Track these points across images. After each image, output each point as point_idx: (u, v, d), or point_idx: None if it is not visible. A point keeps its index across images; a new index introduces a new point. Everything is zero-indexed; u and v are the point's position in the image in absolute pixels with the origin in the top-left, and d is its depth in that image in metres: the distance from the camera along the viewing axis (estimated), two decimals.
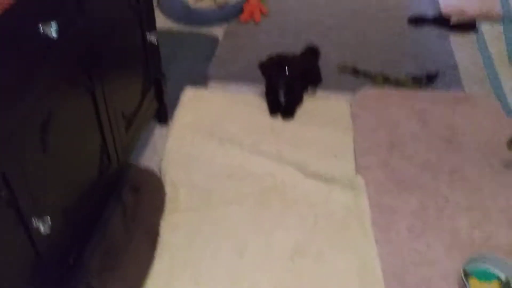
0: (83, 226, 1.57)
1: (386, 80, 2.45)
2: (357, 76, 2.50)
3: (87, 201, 1.53)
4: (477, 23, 2.88)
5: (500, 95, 2.34)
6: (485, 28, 2.86)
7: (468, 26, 2.88)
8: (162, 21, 2.91)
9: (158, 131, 2.16)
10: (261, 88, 2.34)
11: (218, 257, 1.65)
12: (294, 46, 2.57)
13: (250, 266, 1.63)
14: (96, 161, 1.56)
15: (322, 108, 2.29)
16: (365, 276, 1.61)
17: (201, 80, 2.46)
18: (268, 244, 1.70)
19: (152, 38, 1.86)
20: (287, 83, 2.20)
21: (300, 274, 1.62)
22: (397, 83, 2.44)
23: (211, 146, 2.07)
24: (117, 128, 1.66)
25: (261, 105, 2.29)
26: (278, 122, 2.22)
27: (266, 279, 1.60)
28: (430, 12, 3.01)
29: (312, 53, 2.44)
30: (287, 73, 2.17)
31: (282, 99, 2.25)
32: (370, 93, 2.38)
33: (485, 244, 1.71)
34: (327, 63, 2.57)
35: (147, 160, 2.02)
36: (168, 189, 1.86)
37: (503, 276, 1.62)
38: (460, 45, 2.74)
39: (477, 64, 2.59)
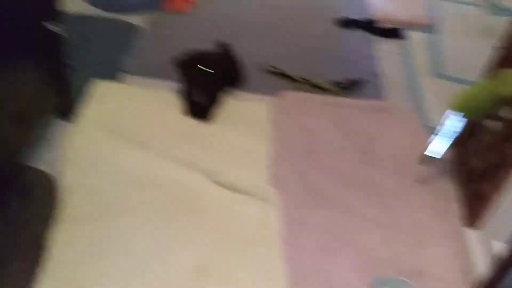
0: None
1: (308, 84, 2.38)
2: (280, 77, 2.41)
3: None
4: (405, 31, 2.86)
5: (420, 109, 2.32)
6: (413, 36, 2.84)
7: (396, 32, 2.85)
8: (77, 4, 2.68)
9: (61, 129, 1.96)
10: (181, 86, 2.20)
11: (112, 277, 1.51)
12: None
13: (148, 287, 1.51)
14: None
15: (240, 111, 2.19)
16: None
17: (115, 73, 2.28)
18: (169, 261, 1.57)
19: (53, 27, 1.67)
20: (204, 82, 2.07)
21: None
22: (320, 88, 2.37)
23: (117, 147, 1.91)
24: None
25: (178, 104, 2.15)
26: (193, 123, 2.09)
27: None
28: (359, 16, 2.96)
29: (227, 50, 2.29)
30: (204, 72, 2.04)
31: (198, 99, 2.12)
32: (291, 96, 2.30)
33: (395, 266, 1.67)
34: (248, 62, 2.46)
35: (44, 160, 1.83)
36: (62, 195, 1.69)
37: None
38: (386, 52, 2.70)
39: (401, 73, 2.56)
